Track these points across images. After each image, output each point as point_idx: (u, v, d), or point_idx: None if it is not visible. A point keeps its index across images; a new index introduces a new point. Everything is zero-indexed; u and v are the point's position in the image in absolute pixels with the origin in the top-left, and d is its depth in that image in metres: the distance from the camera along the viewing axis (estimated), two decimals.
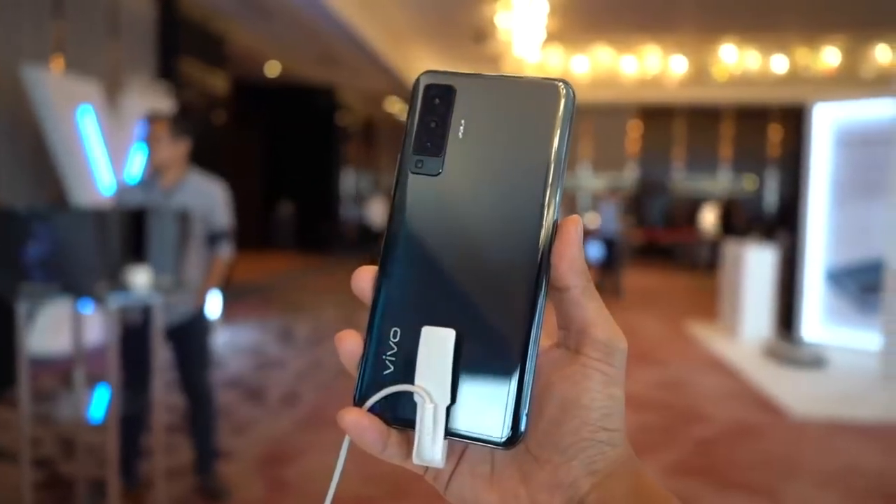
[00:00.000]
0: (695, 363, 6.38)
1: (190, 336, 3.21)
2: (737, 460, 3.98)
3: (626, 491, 0.39)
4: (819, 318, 7.05)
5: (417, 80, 0.41)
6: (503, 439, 0.38)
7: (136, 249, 2.91)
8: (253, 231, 15.13)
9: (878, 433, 4.46)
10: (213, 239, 3.24)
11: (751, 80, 13.79)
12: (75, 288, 2.72)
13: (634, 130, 18.17)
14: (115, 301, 2.75)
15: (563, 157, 0.39)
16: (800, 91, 12.57)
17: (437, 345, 0.38)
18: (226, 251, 3.28)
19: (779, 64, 13.09)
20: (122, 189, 3.29)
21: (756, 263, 7.30)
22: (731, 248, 7.96)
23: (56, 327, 5.06)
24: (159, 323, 2.97)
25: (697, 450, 4.13)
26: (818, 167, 7.09)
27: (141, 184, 3.22)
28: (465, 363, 0.38)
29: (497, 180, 0.39)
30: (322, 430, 4.27)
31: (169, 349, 3.24)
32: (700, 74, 13.86)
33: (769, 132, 17.64)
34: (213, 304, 3.37)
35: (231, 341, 6.87)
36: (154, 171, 3.17)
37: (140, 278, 2.78)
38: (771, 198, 17.70)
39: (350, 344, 0.40)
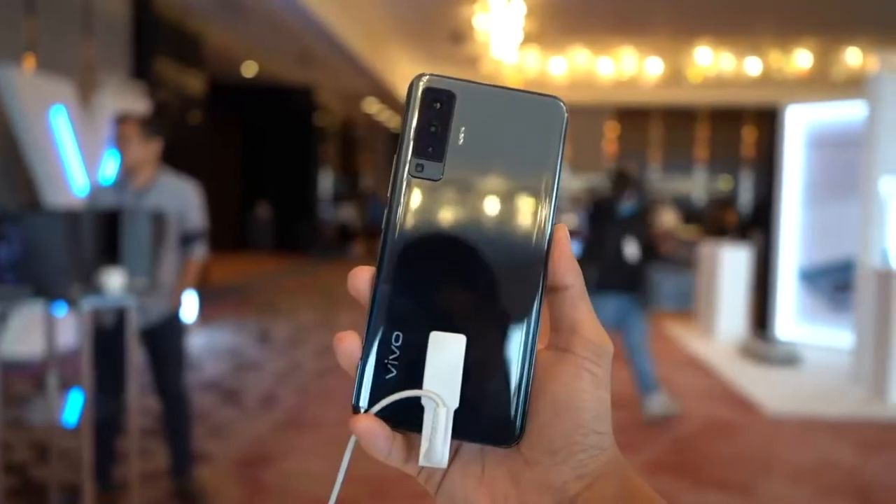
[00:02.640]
0: (671, 362, 6.44)
1: (164, 338, 3.18)
2: (712, 457, 4.03)
3: (615, 493, 0.39)
4: (793, 317, 7.16)
5: (415, 82, 0.41)
6: (507, 439, 0.39)
7: (109, 251, 2.87)
8: (230, 232, 15.00)
9: (850, 430, 4.54)
10: (186, 240, 3.20)
11: (725, 81, 13.96)
12: (48, 291, 2.68)
13: (611, 131, 18.30)
14: (89, 304, 2.71)
15: (560, 169, 0.41)
16: (773, 93, 12.75)
17: (447, 350, 0.39)
18: (200, 252, 3.25)
19: (752, 66, 13.26)
20: (95, 190, 3.25)
21: (731, 263, 7.39)
22: (706, 248, 8.05)
23: (28, 330, 4.98)
24: (133, 325, 2.93)
25: (674, 447, 4.17)
26: (791, 168, 7.20)
27: (113, 185, 3.18)
28: (470, 365, 0.39)
29: (499, 188, 0.40)
30: (300, 432, 4.25)
31: (142, 351, 3.20)
32: (675, 76, 14.00)
33: (743, 133, 17.87)
34: (188, 306, 3.33)
35: (208, 343, 6.81)
36: (126, 172, 3.14)
37: (114, 280, 2.75)
38: (746, 198, 17.93)
39: (351, 345, 0.40)
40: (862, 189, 5.89)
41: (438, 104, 0.40)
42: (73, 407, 4.19)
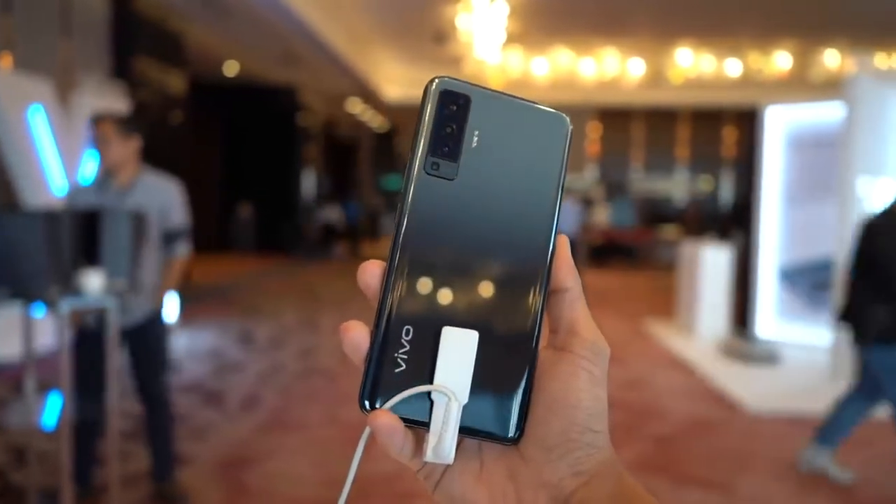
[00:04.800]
0: (653, 361, 6.48)
1: (147, 338, 3.15)
2: (694, 455, 4.06)
3: (611, 492, 0.40)
4: (773, 316, 7.23)
5: (431, 83, 0.42)
6: (512, 435, 0.40)
7: (89, 252, 2.84)
8: (212, 233, 14.90)
9: None
10: (169, 238, 3.18)
11: (706, 83, 14.08)
12: (26, 292, 2.65)
13: (594, 132, 18.39)
14: (68, 305, 2.68)
15: (563, 179, 0.43)
16: (753, 94, 12.88)
17: (459, 345, 0.40)
18: (183, 250, 3.22)
19: (732, 67, 13.39)
20: (74, 190, 3.21)
21: (712, 263, 7.45)
22: (687, 247, 8.12)
23: (6, 332, 4.91)
24: (114, 326, 2.90)
25: (656, 446, 4.20)
26: (771, 168, 7.27)
27: (94, 185, 3.14)
28: (479, 362, 0.40)
29: (509, 192, 0.42)
30: (283, 434, 4.23)
31: (124, 352, 3.17)
32: (657, 77, 14.10)
33: (724, 134, 18.03)
34: (171, 306, 3.29)
35: (190, 345, 6.75)
36: (107, 172, 3.10)
37: (93, 281, 2.72)
38: (726, 198, 18.10)
39: (357, 335, 0.40)
40: (839, 189, 5.97)
41: (455, 106, 0.41)
42: (51, 410, 4.14)
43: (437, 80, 0.42)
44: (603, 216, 17.05)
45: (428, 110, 0.41)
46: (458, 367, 0.40)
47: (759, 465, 3.93)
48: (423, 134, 0.41)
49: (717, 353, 6.69)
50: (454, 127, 0.41)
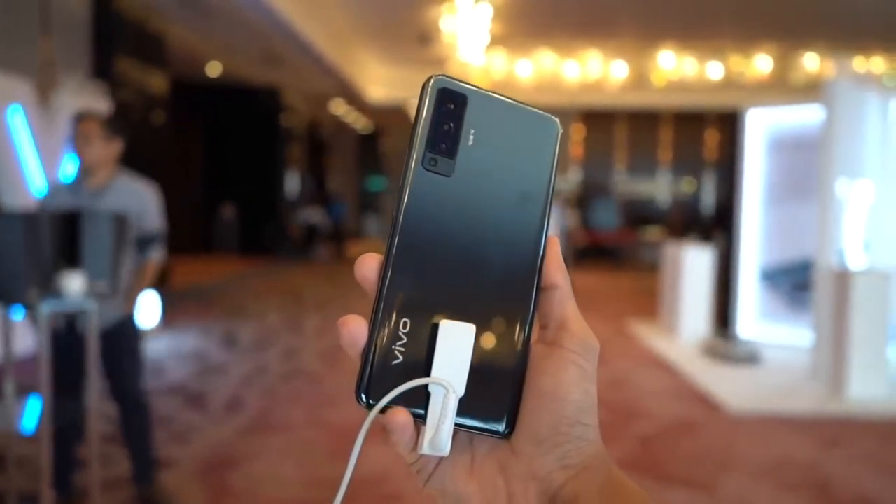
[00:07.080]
0: (636, 362, 6.52)
1: (119, 341, 3.09)
2: (677, 455, 4.09)
3: (600, 485, 0.40)
4: (754, 316, 7.30)
5: (429, 81, 0.42)
6: (504, 429, 0.41)
7: (69, 254, 2.81)
8: (194, 234, 14.78)
9: (809, 426, 4.64)
10: (142, 242, 3.13)
11: (688, 85, 14.18)
12: (5, 294, 2.61)
13: (577, 134, 18.47)
14: (48, 308, 2.65)
15: (554, 180, 0.44)
16: (734, 96, 12.99)
17: (457, 338, 0.40)
18: (157, 254, 3.18)
19: (714, 70, 13.49)
20: (52, 190, 3.16)
21: (694, 264, 7.51)
22: (670, 249, 8.17)
23: None
24: (95, 328, 2.87)
25: (639, 446, 4.22)
26: (752, 170, 7.35)
27: (70, 185, 3.10)
28: (474, 356, 0.41)
29: (504, 191, 0.43)
30: (267, 435, 4.20)
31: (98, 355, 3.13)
32: (640, 80, 14.17)
33: (706, 136, 18.17)
34: (145, 309, 3.25)
35: (172, 347, 6.70)
36: (83, 172, 3.06)
37: (73, 284, 2.69)
38: (708, 200, 18.24)
39: (356, 329, 0.40)
40: (819, 190, 6.04)
41: (452, 105, 0.42)
42: (30, 413, 4.09)
43: (434, 78, 0.42)
44: (575, 218, 17.24)
45: (426, 107, 0.42)
46: (456, 361, 0.40)
47: (742, 465, 3.96)
48: (422, 130, 0.41)
49: (699, 353, 6.74)
50: (451, 125, 0.42)
